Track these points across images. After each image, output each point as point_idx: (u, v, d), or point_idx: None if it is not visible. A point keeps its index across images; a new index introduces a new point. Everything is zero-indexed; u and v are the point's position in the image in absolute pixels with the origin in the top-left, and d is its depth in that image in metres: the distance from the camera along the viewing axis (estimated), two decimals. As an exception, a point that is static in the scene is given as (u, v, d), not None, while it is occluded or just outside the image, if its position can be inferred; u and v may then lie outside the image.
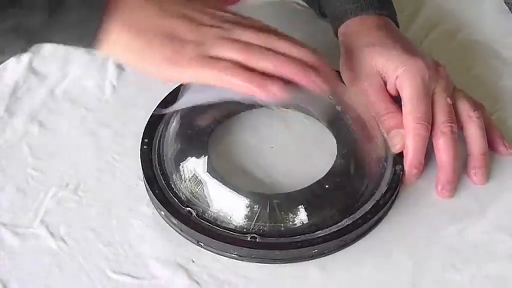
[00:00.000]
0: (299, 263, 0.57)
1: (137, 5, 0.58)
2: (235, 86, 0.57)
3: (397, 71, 0.63)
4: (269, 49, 0.58)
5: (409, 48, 0.65)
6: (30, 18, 0.54)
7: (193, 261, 0.57)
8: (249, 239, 0.57)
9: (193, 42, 0.57)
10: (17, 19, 0.54)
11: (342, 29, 0.70)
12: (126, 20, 0.57)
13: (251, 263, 0.57)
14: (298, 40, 0.60)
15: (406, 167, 0.61)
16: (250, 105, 0.67)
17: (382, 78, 0.64)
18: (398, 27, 0.70)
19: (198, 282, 0.56)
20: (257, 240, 0.57)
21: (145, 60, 0.58)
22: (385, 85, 0.64)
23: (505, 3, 0.83)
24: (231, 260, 0.57)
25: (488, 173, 0.63)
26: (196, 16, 0.59)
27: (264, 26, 0.61)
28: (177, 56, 0.57)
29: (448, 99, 0.63)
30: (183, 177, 0.60)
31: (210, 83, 0.57)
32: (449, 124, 0.62)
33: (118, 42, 0.57)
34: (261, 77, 0.56)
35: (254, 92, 0.56)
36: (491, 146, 0.65)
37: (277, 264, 0.57)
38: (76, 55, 0.74)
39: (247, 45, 0.58)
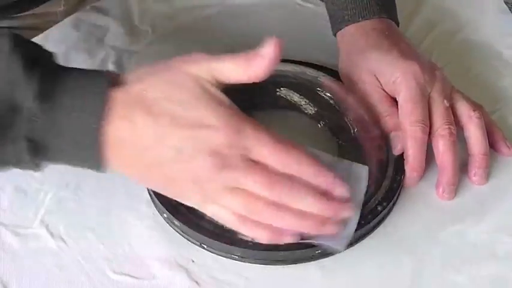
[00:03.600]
0: (300, 264, 0.57)
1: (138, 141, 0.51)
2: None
3: (393, 76, 0.63)
4: (276, 205, 0.51)
5: (405, 51, 0.65)
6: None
7: (193, 261, 0.57)
8: (250, 240, 0.56)
9: (197, 197, 0.52)
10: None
11: (339, 34, 0.70)
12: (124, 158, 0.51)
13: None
14: (314, 171, 0.52)
15: (407, 170, 0.61)
16: (251, 107, 0.66)
17: (379, 81, 0.65)
18: (398, 26, 0.70)
19: (197, 283, 0.56)
20: (258, 241, 0.56)
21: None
22: (383, 88, 0.65)
23: (505, 3, 0.84)
24: (231, 260, 0.57)
25: (488, 173, 0.63)
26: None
27: (281, 162, 0.51)
28: (180, 198, 0.54)
29: (445, 102, 0.63)
30: (184, 178, 0.59)
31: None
32: (447, 126, 0.62)
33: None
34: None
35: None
36: (493, 147, 0.65)
37: (278, 265, 0.57)
38: (76, 55, 0.74)
39: (252, 200, 0.51)
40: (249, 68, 0.51)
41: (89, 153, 0.51)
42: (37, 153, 0.51)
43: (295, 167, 0.51)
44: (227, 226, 0.54)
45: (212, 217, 0.54)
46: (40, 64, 0.50)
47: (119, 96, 0.50)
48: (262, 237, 0.53)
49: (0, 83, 0.49)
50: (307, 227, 0.52)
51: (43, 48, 0.53)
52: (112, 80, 0.51)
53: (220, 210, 0.52)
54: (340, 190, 0.53)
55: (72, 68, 0.53)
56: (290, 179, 0.51)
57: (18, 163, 0.52)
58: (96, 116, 0.49)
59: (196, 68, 0.51)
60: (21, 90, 0.49)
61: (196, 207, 0.54)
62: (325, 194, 0.52)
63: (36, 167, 0.52)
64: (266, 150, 0.50)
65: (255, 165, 0.50)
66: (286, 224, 0.52)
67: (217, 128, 0.50)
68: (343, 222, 0.54)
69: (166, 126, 0.50)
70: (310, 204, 0.52)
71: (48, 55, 0.53)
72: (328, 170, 0.53)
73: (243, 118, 0.51)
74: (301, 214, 0.52)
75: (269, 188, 0.51)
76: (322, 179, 0.52)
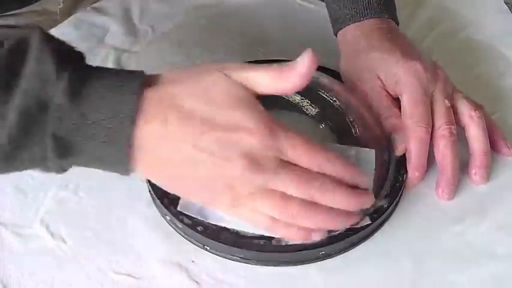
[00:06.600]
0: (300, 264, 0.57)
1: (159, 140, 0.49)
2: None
3: (396, 76, 0.63)
4: (305, 205, 0.51)
5: (407, 51, 0.65)
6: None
7: (193, 261, 0.57)
8: (254, 242, 0.56)
9: (227, 201, 0.51)
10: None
11: (340, 33, 0.70)
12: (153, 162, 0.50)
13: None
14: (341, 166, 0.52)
15: (409, 170, 0.61)
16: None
17: (381, 81, 0.65)
18: (398, 26, 0.70)
19: (197, 282, 0.56)
20: (262, 243, 0.56)
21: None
22: (385, 88, 0.65)
23: (505, 3, 0.84)
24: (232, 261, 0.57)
25: (488, 173, 0.63)
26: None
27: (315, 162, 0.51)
28: (210, 203, 0.53)
29: (447, 102, 0.63)
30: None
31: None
32: (448, 126, 0.62)
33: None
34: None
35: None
36: (493, 147, 0.65)
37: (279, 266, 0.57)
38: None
39: (283, 201, 0.51)
40: (280, 80, 0.50)
41: (116, 155, 0.49)
42: (63, 152, 0.48)
43: (326, 165, 0.51)
44: (260, 228, 0.54)
45: (241, 220, 0.53)
46: (71, 61, 0.49)
47: (151, 97, 0.48)
48: (294, 237, 0.53)
49: (30, 78, 0.47)
50: (335, 224, 0.54)
51: (73, 46, 0.51)
52: (145, 80, 0.49)
53: (250, 214, 0.51)
54: (363, 181, 0.54)
55: (105, 67, 0.51)
56: (320, 177, 0.51)
57: (42, 162, 0.49)
58: (126, 116, 0.48)
59: (230, 72, 0.50)
60: (51, 86, 0.47)
61: (223, 211, 0.53)
62: (351, 188, 0.53)
63: (60, 168, 0.50)
64: (298, 151, 0.50)
65: (287, 165, 0.50)
66: (315, 222, 0.52)
67: (251, 130, 0.49)
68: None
69: (199, 128, 0.48)
70: (338, 201, 0.52)
71: (79, 53, 0.51)
72: (351, 163, 0.54)
73: (274, 121, 0.50)
74: (329, 211, 0.52)
75: (301, 186, 0.50)
76: (349, 174, 0.53)
